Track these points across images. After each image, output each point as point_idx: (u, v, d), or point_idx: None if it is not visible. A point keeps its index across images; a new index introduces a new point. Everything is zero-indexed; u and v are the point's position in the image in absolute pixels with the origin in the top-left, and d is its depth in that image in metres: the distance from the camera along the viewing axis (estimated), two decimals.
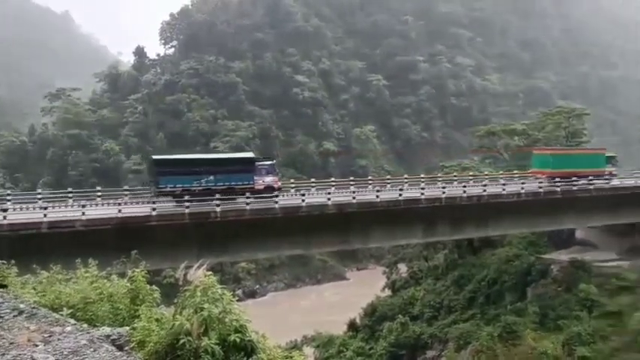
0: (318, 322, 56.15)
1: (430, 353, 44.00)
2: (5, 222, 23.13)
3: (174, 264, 16.58)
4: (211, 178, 28.23)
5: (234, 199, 27.99)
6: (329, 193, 30.90)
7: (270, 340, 7.65)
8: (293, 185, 35.82)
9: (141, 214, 25.93)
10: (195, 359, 6.05)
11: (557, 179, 37.42)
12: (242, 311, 6.82)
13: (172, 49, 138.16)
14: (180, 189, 27.48)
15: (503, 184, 35.68)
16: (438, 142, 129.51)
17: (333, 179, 37.53)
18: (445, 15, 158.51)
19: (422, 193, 32.35)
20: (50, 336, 5.32)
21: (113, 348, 5.40)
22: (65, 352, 4.98)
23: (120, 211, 25.49)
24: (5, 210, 23.89)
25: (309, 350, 52.66)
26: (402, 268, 62.25)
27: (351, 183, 34.71)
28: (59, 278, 8.78)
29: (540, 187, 36.13)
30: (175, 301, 6.95)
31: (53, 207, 25.48)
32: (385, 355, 45.73)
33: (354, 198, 30.52)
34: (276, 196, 29.30)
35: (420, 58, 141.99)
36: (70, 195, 28.13)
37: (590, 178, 38.28)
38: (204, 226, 26.92)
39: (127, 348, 5.69)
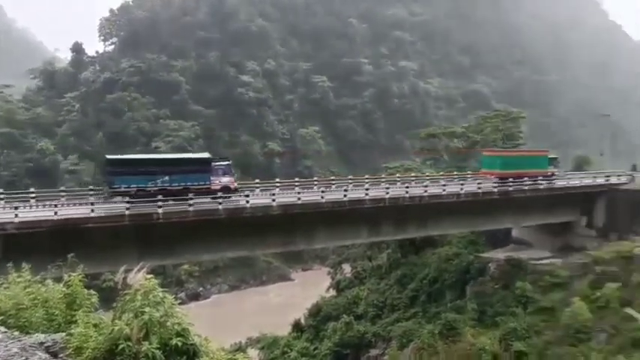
0: (262, 323, 55.88)
1: (374, 352, 44.55)
2: None
3: (114, 267, 16.08)
4: (167, 178, 27.96)
5: (191, 199, 27.69)
6: (273, 194, 30.77)
7: (213, 343, 7.56)
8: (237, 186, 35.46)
9: (78, 216, 25.03)
10: None
11: (506, 179, 39.03)
12: (184, 314, 6.70)
13: (112, 47, 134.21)
14: (135, 189, 27.07)
15: (444, 185, 36.59)
16: (382, 144, 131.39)
17: (277, 180, 37.43)
18: (388, 18, 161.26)
19: (366, 194, 32.73)
20: None
21: (47, 356, 5.20)
22: None
23: (56, 213, 24.54)
24: None
25: (253, 352, 52.32)
26: (347, 268, 62.87)
27: (296, 184, 34.75)
28: None
29: (479, 188, 37.27)
30: (114, 305, 6.76)
31: None
32: (329, 354, 46.02)
33: (298, 199, 30.55)
34: (230, 196, 29.28)
35: (364, 61, 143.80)
36: (2, 196, 26.86)
37: (537, 178, 40.30)
38: (146, 227, 26.27)
39: (62, 355, 5.49)
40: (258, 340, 53.63)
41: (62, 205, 26.62)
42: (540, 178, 41.56)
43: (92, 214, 24.85)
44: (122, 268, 7.15)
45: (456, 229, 43.08)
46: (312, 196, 32.22)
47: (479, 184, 38.19)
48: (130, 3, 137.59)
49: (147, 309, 6.26)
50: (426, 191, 34.91)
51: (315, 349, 48.16)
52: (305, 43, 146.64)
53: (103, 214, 25.42)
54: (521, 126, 66.26)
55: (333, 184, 36.95)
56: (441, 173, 46.50)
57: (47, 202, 26.76)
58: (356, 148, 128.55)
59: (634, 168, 50.25)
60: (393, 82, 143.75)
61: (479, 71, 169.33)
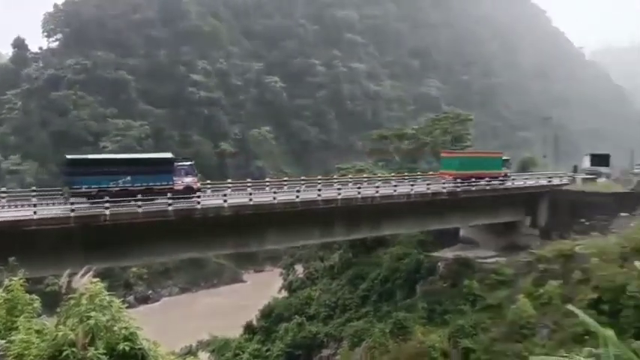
0: (214, 326, 55.28)
1: (326, 352, 44.74)
2: None
3: (59, 271, 15.55)
4: (129, 178, 27.55)
5: (154, 199, 27.47)
6: (225, 195, 30.47)
7: (163, 347, 7.42)
8: None
9: (20, 218, 24.07)
10: None
11: (464, 179, 40.21)
12: (132, 318, 6.57)
13: (57, 43, 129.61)
14: (97, 190, 26.59)
15: (395, 186, 37.13)
16: (334, 145, 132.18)
17: (229, 180, 37.15)
18: (340, 20, 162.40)
19: (319, 195, 32.84)
20: None
21: None
22: None
23: None
24: None
25: (204, 355, 51.68)
26: (299, 269, 62.93)
27: (248, 184, 34.56)
28: None
29: (428, 189, 38.02)
30: (58, 310, 6.56)
31: None
32: (281, 356, 45.94)
33: (250, 200, 30.36)
34: (196, 196, 29.10)
35: (316, 62, 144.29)
36: None
37: (492, 178, 41.66)
38: (93, 229, 25.50)
39: None
40: (209, 343, 53.04)
41: (3, 207, 25.60)
42: (500, 178, 43.19)
43: (35, 216, 23.96)
44: (66, 272, 6.93)
45: (407, 228, 43.78)
46: (264, 197, 32.09)
47: (428, 184, 38.97)
48: None
49: (93, 313, 6.11)
50: (377, 192, 35.32)
51: (267, 350, 47.98)
52: (257, 44, 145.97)
53: (46, 216, 24.54)
54: (470, 128, 67.96)
55: (286, 184, 36.94)
56: (393, 174, 47.13)
57: None
58: (309, 149, 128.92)
59: (575, 169, 52.35)
60: (345, 84, 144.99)
61: (429, 74, 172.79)
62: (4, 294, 7.65)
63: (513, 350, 30.53)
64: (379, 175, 47.67)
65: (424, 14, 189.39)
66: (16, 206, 26.11)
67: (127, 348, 6.04)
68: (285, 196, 32.42)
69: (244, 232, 31.73)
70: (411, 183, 39.03)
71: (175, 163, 30.21)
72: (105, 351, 5.89)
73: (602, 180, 47.48)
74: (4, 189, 30.36)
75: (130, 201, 26.48)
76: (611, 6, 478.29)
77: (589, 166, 53.87)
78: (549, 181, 45.59)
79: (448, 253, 44.97)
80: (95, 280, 6.69)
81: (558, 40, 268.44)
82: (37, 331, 6.43)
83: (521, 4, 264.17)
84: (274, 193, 31.82)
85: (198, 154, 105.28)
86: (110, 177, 27.31)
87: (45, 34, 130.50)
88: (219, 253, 62.36)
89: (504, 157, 45.97)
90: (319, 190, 33.65)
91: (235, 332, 54.36)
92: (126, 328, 6.25)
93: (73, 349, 5.77)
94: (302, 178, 39.27)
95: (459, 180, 40.27)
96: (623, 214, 37.53)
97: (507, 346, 31.34)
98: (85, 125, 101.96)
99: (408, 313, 38.69)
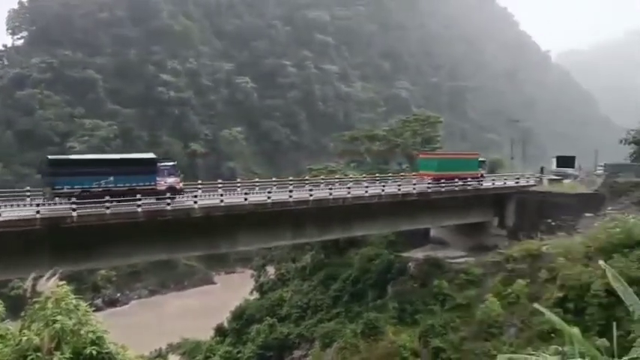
0: (184, 328, 54.80)
1: (297, 353, 44.70)
2: None
3: (24, 274, 15.19)
4: (111, 179, 27.42)
5: (135, 200, 27.16)
6: (195, 196, 30.20)
7: (131, 351, 7.33)
8: None
9: None
10: None
11: (445, 180, 40.86)
12: (100, 322, 6.48)
13: (22, 41, 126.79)
14: (79, 190, 26.36)
15: (366, 187, 37.32)
16: (306, 146, 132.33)
17: (200, 182, 36.75)
18: (311, 21, 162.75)
19: (290, 196, 32.78)
20: None
21: None
22: None
23: None
24: None
25: (175, 358, 51.24)
26: (271, 270, 62.79)
27: (219, 185, 34.29)
28: None
29: (399, 190, 38.32)
30: (23, 314, 6.41)
31: None
32: (253, 357, 45.79)
33: (221, 201, 30.13)
34: (175, 197, 28.97)
35: (288, 63, 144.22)
36: None
37: (468, 179, 42.49)
38: (59, 231, 24.95)
39: None
40: (180, 346, 52.60)
41: None
42: (477, 178, 44.08)
43: None
44: (32, 275, 6.79)
45: (379, 229, 44.01)
46: (235, 198, 31.89)
47: (399, 185, 39.29)
48: None
49: (59, 317, 6.01)
50: (349, 193, 35.44)
51: (238, 352, 47.73)
52: (228, 44, 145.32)
53: (11, 218, 23.93)
54: (439, 130, 68.79)
55: (257, 185, 36.80)
56: (364, 175, 47.38)
57: None
58: (280, 150, 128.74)
59: (542, 170, 53.36)
60: (317, 85, 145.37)
61: (399, 75, 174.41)
62: None
63: (482, 349, 30.97)
64: (351, 176, 47.85)
65: (394, 16, 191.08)
66: None
67: (94, 352, 5.96)
68: (256, 197, 32.26)
69: (215, 234, 31.47)
70: (383, 184, 39.26)
71: (158, 164, 30.12)
72: (71, 355, 5.80)
73: (567, 181, 48.54)
74: None
75: (112, 202, 26.18)
76: (573, 10, 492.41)
77: (555, 167, 55.07)
78: (517, 183, 46.37)
79: (419, 254, 45.37)
80: (61, 283, 6.58)
81: (525, 44, 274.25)
82: (1, 336, 6.29)
83: (489, 7, 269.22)
84: (245, 194, 31.65)
85: (168, 154, 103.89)
86: (93, 177, 27.17)
87: (9, 31, 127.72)
88: (190, 255, 61.78)
89: (480, 159, 46.85)
90: (291, 191, 33.57)
91: (206, 334, 53.97)
92: (93, 331, 6.16)
93: (39, 354, 5.66)
94: (273, 179, 39.15)
95: (443, 180, 40.92)
96: (587, 214, 38.40)
97: (476, 345, 31.77)
98: (51, 125, 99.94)
99: (379, 314, 38.90)
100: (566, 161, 55.40)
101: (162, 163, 30.73)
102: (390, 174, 48.94)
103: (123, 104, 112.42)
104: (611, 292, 21.14)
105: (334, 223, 37.18)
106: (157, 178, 29.16)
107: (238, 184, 37.07)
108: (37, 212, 24.21)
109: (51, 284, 6.46)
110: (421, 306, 37.76)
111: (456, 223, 44.72)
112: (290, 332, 46.47)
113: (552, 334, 25.51)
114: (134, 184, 28.00)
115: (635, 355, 12.45)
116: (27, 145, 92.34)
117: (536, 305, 19.35)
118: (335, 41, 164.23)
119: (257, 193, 33.94)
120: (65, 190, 26.47)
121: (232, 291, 68.90)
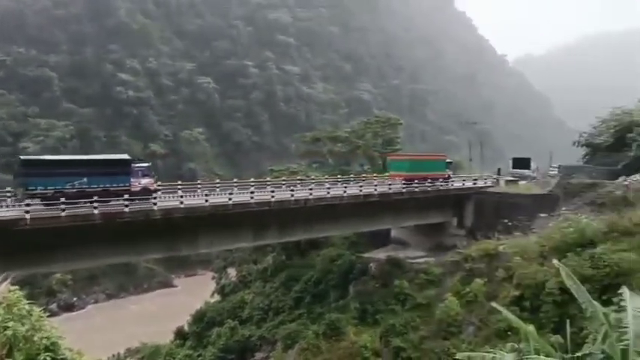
0: (143, 332, 53.88)
1: (259, 355, 44.49)
2: None
3: None
4: (85, 180, 27.10)
5: (109, 201, 27.05)
6: (155, 198, 29.69)
7: (88, 356, 7.16)
8: None
9: None
10: None
11: (417, 180, 41.92)
12: (55, 327, 6.31)
13: None
14: (52, 191, 25.96)
15: (328, 188, 37.44)
16: (268, 146, 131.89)
17: (159, 183, 36.17)
18: (273, 22, 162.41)
19: (252, 197, 32.59)
20: None
21: None
22: None
23: None
24: None
25: None
26: (232, 272, 62.32)
27: (179, 187, 33.81)
28: None
29: (361, 191, 38.60)
30: None
31: None
32: None
33: (181, 202, 29.72)
34: (154, 198, 28.95)
35: (249, 63, 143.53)
36: None
37: (437, 179, 43.77)
38: (11, 234, 24.13)
39: None
40: (138, 350, 51.70)
41: None
42: (445, 178, 45.41)
43: None
44: None
45: (341, 230, 44.21)
46: (195, 199, 31.50)
47: (360, 187, 39.57)
48: None
49: (10, 323, 5.82)
50: (311, 194, 35.48)
51: (198, 355, 47.22)
52: (189, 43, 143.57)
53: None
54: (399, 132, 69.62)
55: (218, 186, 36.45)
56: (326, 176, 47.53)
57: None
58: (241, 151, 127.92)
59: (499, 172, 54.61)
60: (279, 86, 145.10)
61: (361, 77, 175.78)
62: None
63: (442, 347, 31.46)
64: (313, 177, 47.91)
65: (355, 18, 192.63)
66: None
67: (48, 358, 5.81)
68: (217, 198, 31.95)
69: (176, 236, 31.04)
70: (345, 185, 39.47)
71: (133, 165, 29.91)
72: None
73: (523, 182, 49.83)
74: None
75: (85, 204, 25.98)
76: (529, 15, 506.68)
77: (512, 169, 56.51)
78: (475, 184, 47.35)
79: (380, 254, 45.75)
80: (14, 287, 6.38)
81: (484, 48, 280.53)
82: None
83: (448, 11, 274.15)
84: (206, 195, 31.31)
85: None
86: (66, 178, 26.81)
87: None
88: (150, 258, 60.65)
89: (447, 160, 48.05)
90: (252, 192, 33.41)
91: (166, 338, 53.18)
92: (47, 337, 6.00)
93: None
94: (235, 180, 38.86)
95: (416, 181, 41.57)
96: (542, 214, 39.45)
97: (436, 344, 32.25)
98: (4, 125, 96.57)
99: (341, 314, 39.06)
100: (522, 163, 56.92)
101: (137, 165, 30.58)
102: (352, 175, 49.24)
103: (79, 104, 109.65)
104: (565, 290, 21.71)
105: (296, 224, 37.17)
106: (132, 179, 28.99)
107: (199, 186, 36.64)
108: None
109: (2, 289, 6.25)
110: (382, 306, 38.08)
111: (416, 223, 45.34)
112: (252, 334, 46.24)
113: (509, 332, 26.09)
114: (108, 185, 27.86)
115: (588, 351, 12.85)
116: None
117: (493, 304, 19.75)
118: (296, 42, 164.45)
119: (218, 194, 33.60)
120: (38, 191, 26.13)
121: (193, 294, 68.04)
